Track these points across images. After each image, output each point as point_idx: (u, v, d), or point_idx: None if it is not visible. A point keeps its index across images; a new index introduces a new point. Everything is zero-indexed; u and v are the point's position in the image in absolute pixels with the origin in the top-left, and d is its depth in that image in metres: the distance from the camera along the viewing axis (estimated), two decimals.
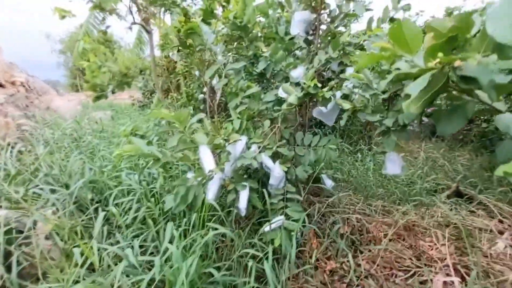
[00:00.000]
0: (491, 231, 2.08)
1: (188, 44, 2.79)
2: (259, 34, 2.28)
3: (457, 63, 0.57)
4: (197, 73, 4.20)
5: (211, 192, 1.25)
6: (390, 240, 1.95)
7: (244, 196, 1.40)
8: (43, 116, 3.84)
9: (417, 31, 0.66)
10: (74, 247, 1.29)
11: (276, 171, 1.59)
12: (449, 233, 2.01)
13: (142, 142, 1.28)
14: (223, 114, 3.76)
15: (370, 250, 1.87)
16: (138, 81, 3.33)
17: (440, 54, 0.58)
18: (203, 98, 4.28)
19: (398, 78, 0.87)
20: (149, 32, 2.34)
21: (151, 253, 1.29)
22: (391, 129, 1.09)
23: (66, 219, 1.48)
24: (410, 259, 1.76)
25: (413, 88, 0.60)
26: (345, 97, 1.66)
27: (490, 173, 2.95)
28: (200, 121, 1.42)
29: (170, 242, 1.16)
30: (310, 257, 1.65)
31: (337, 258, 1.72)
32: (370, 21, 1.82)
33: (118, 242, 1.29)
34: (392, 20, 1.83)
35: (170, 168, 1.81)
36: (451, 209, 2.28)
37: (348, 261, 1.62)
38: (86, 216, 1.59)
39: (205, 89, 4.21)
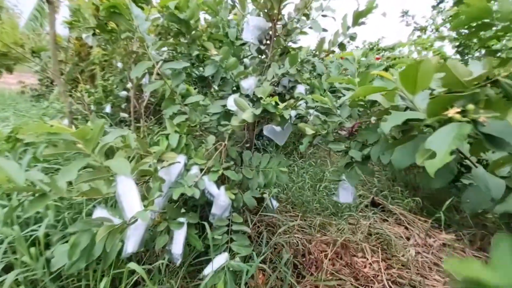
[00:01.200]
0: (401, 237, 2.38)
1: (109, 27, 2.20)
2: (202, 34, 1.98)
3: (482, 118, 0.47)
4: (119, 64, 3.50)
5: (132, 242, 0.87)
6: (329, 259, 1.96)
7: (180, 238, 1.07)
8: None
9: (431, 70, 0.54)
10: None
11: (221, 199, 1.32)
12: (373, 245, 2.18)
13: (15, 167, 0.79)
14: (151, 118, 3.20)
15: (311, 274, 1.82)
16: (33, 63, 2.44)
17: (470, 106, 0.48)
18: (125, 95, 3.59)
19: (381, 113, 0.76)
20: (50, 3, 1.69)
21: None
22: (355, 161, 1.01)
23: None
24: (350, 282, 1.78)
25: (438, 143, 0.47)
26: (300, 117, 1.55)
27: (394, 183, 3.48)
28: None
29: None
30: None
31: None
32: (322, 41, 1.79)
33: None
34: (341, 45, 1.85)
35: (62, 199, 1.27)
36: (370, 219, 2.51)
37: None
38: None
39: (129, 85, 3.54)
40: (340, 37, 1.84)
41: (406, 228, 2.64)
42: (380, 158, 0.92)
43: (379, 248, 2.14)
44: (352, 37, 1.83)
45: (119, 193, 0.83)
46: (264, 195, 1.84)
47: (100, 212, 0.99)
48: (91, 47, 3.67)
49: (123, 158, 0.80)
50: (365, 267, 2.00)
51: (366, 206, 2.89)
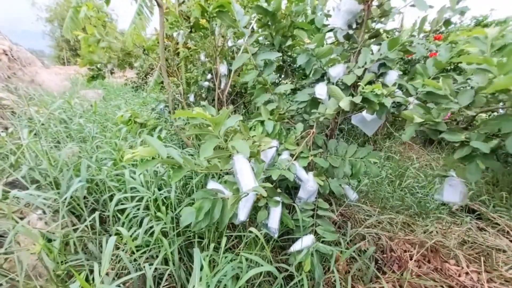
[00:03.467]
0: (504, 251, 2.01)
1: (201, 26, 2.47)
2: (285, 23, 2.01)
3: None
4: (202, 57, 3.86)
5: (244, 212, 1.01)
6: (415, 261, 1.82)
7: (276, 214, 1.18)
8: (27, 90, 3.41)
9: None
10: (68, 266, 1.04)
11: (310, 184, 1.37)
12: (469, 254, 1.91)
13: (160, 144, 1.01)
14: (231, 107, 3.48)
15: (393, 271, 1.74)
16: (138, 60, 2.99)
17: None
18: (207, 86, 3.96)
19: None
20: (160, 6, 2.01)
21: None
22: (478, 154, 0.90)
23: (55, 227, 1.21)
24: (441, 286, 1.63)
25: None
26: (397, 106, 1.45)
27: (495, 188, 2.90)
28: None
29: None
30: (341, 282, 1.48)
31: (364, 282, 1.56)
32: (423, 20, 1.60)
33: (124, 267, 1.04)
34: (447, 23, 1.61)
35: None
36: (464, 225, 2.19)
37: (381, 287, 1.46)
38: (81, 222, 1.33)
39: (209, 76, 3.89)
40: (447, 13, 1.60)
41: None
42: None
43: (477, 259, 1.88)
44: (463, 11, 1.57)
45: (236, 169, 0.97)
46: (345, 186, 1.82)
47: (213, 184, 1.18)
48: (177, 43, 4.17)
49: (241, 140, 0.93)
50: (459, 275, 1.79)
51: (460, 210, 2.52)
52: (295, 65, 1.93)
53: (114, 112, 3.34)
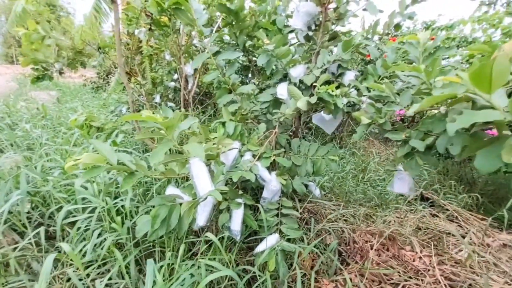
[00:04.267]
0: (453, 235, 2.23)
1: (162, 23, 2.37)
2: (249, 22, 2.01)
3: None
4: (167, 57, 3.71)
5: (203, 217, 0.99)
6: (375, 250, 1.94)
7: (238, 216, 1.17)
8: None
9: (507, 67, 0.51)
10: None
11: (273, 183, 1.38)
12: (423, 240, 2.09)
13: (109, 149, 0.94)
14: (198, 107, 3.39)
15: (356, 262, 1.83)
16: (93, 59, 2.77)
17: None
18: (173, 86, 3.82)
19: (453, 103, 0.73)
20: (114, 2, 1.88)
21: None
22: (417, 151, 0.97)
23: None
24: (398, 272, 1.75)
25: None
26: (352, 106, 1.52)
27: (445, 177, 3.21)
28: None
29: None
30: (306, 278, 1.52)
31: (329, 275, 1.62)
32: (375, 24, 1.70)
33: (74, 285, 0.95)
34: (397, 26, 1.73)
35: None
36: (418, 213, 2.39)
37: (344, 279, 1.53)
38: (24, 239, 1.19)
39: (175, 76, 3.76)
40: (397, 17, 1.72)
41: (460, 226, 2.46)
42: (448, 149, 0.88)
43: (430, 244, 2.05)
44: (411, 17, 1.70)
45: (192, 174, 0.94)
46: (310, 183, 1.87)
47: (171, 190, 1.13)
48: (141, 41, 3.96)
49: (196, 143, 0.90)
50: (414, 260, 1.94)
51: (414, 199, 2.73)
52: (258, 65, 1.94)
53: (68, 116, 3.07)
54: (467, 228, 2.38)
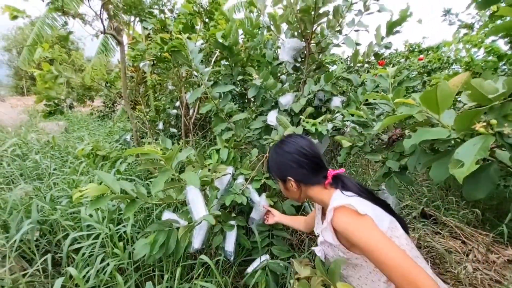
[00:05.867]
0: (457, 252, 2.21)
1: (164, 58, 2.59)
2: (243, 56, 2.21)
3: (507, 131, 0.54)
4: (170, 86, 3.95)
5: (198, 240, 1.06)
6: None
7: (232, 238, 1.24)
8: None
9: (450, 93, 0.63)
10: None
11: (262, 204, 1.46)
12: (424, 258, 2.08)
13: (112, 179, 1.05)
14: (198, 133, 3.55)
15: None
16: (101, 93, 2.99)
17: (493, 121, 0.56)
18: (175, 113, 4.02)
19: (415, 125, 0.83)
20: (120, 44, 2.09)
21: None
22: (393, 171, 1.06)
23: (3, 273, 1.15)
24: None
25: (464, 154, 0.55)
26: (337, 129, 1.64)
27: (448, 192, 3.20)
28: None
29: None
30: None
31: None
32: (356, 53, 1.86)
33: None
34: (376, 55, 1.90)
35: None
36: (419, 231, 2.38)
37: None
38: (32, 266, 1.27)
39: (177, 104, 3.97)
40: (375, 47, 1.89)
41: (464, 242, 2.43)
42: (416, 168, 0.98)
43: (431, 262, 2.03)
44: (387, 47, 1.87)
45: (188, 200, 1.04)
46: (305, 203, 1.93)
47: (168, 215, 1.22)
48: (144, 73, 4.24)
49: (192, 172, 1.01)
50: None
51: (415, 217, 2.72)
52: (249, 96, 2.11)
53: (75, 145, 3.24)
54: (470, 245, 2.36)
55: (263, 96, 1.65)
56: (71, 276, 1.17)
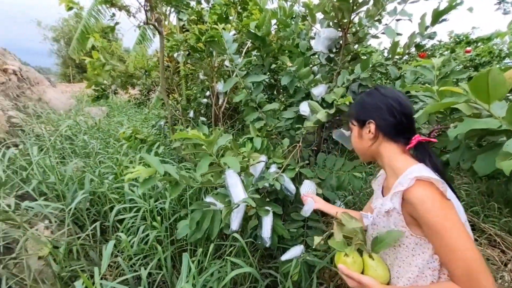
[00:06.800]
0: (495, 261, 2.06)
1: (199, 48, 2.69)
2: (274, 47, 2.21)
3: None
4: (201, 76, 4.07)
5: (236, 222, 1.13)
6: None
7: (268, 224, 1.28)
8: (35, 108, 3.61)
9: (502, 80, 0.59)
10: (71, 270, 1.15)
11: (302, 192, 1.47)
12: None
13: (157, 162, 1.14)
14: (227, 122, 3.65)
15: None
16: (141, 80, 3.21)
17: None
18: (206, 102, 4.15)
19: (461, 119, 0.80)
20: (160, 34, 2.22)
21: None
22: None
23: (61, 235, 1.33)
24: None
25: None
26: None
27: (489, 198, 2.95)
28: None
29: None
30: None
31: None
32: (395, 45, 1.77)
33: (122, 272, 1.15)
34: (418, 46, 1.79)
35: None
36: None
37: None
38: (84, 232, 1.44)
39: (208, 93, 4.09)
40: (417, 38, 1.78)
41: (503, 251, 2.27)
42: (460, 164, 0.94)
43: None
44: (431, 37, 1.75)
45: (228, 183, 1.10)
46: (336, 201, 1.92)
47: (209, 199, 1.30)
48: (178, 63, 4.41)
49: (232, 157, 1.07)
50: None
51: None
52: (282, 85, 2.11)
53: (116, 129, 3.51)
54: (509, 254, 2.20)
55: (296, 85, 1.65)
56: (115, 245, 1.31)
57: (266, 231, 1.29)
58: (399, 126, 0.75)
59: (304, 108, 1.70)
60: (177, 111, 4.19)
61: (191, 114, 4.13)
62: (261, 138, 1.52)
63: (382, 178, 0.88)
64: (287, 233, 1.42)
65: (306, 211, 1.20)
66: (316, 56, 2.08)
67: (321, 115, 1.32)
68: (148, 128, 3.50)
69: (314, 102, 1.43)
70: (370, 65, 1.53)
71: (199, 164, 1.05)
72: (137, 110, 6.15)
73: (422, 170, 0.67)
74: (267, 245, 1.31)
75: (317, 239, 0.78)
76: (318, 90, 1.74)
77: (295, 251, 1.43)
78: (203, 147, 1.10)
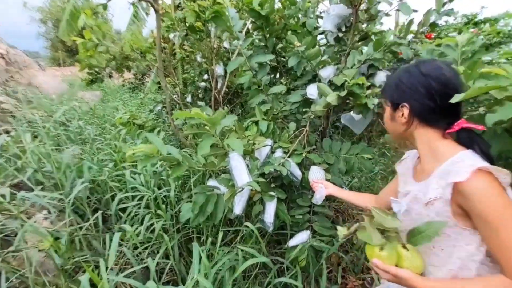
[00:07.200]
0: None
1: (197, 28, 2.53)
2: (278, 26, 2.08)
3: None
4: (198, 58, 3.90)
5: (239, 206, 1.08)
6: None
7: (271, 209, 1.25)
8: (25, 93, 3.45)
9: None
10: (74, 262, 1.10)
11: (310, 178, 1.43)
12: None
13: (160, 142, 1.07)
14: (227, 106, 3.54)
15: None
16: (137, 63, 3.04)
17: None
18: (204, 86, 4.00)
19: (493, 104, 0.73)
20: (157, 11, 2.06)
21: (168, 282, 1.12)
22: None
23: (61, 226, 1.28)
24: None
25: None
26: (381, 107, 1.52)
27: None
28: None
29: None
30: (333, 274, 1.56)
31: (356, 272, 1.65)
32: (409, 23, 1.67)
33: (127, 261, 1.11)
34: (432, 25, 1.69)
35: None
36: None
37: (371, 277, 1.55)
38: (85, 221, 1.39)
39: (205, 77, 3.94)
40: (433, 16, 1.67)
41: None
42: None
43: None
44: (448, 14, 1.65)
45: (231, 166, 1.04)
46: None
47: (212, 182, 1.24)
48: (174, 44, 4.21)
49: (236, 139, 1.00)
50: None
51: None
52: (288, 66, 2.01)
53: (112, 114, 3.39)
54: None
55: (304, 67, 1.56)
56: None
57: (269, 216, 1.26)
58: (439, 110, 0.66)
59: (311, 91, 1.61)
60: (175, 96, 4.06)
61: (189, 98, 4.00)
62: (267, 122, 1.45)
63: (411, 160, 0.81)
64: (289, 218, 1.39)
65: (318, 199, 1.15)
66: (323, 36, 1.96)
67: (332, 98, 1.24)
68: (144, 113, 3.38)
69: (324, 85, 1.34)
70: (384, 45, 1.44)
71: (201, 144, 0.98)
72: (132, 94, 5.96)
73: (475, 158, 0.60)
74: (270, 230, 1.28)
75: (342, 231, 0.73)
76: (327, 72, 1.65)
77: (301, 237, 1.40)
78: (206, 127, 1.03)
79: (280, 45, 2.19)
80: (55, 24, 20.71)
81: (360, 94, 1.24)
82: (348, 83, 1.28)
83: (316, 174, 1.37)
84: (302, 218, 1.44)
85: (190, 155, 2.17)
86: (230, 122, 1.00)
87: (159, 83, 4.35)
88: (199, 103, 4.03)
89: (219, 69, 3.16)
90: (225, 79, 3.10)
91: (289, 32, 2.10)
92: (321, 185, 1.22)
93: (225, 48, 3.17)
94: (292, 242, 1.39)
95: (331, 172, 1.53)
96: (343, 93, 1.21)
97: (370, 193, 1.10)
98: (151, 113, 3.23)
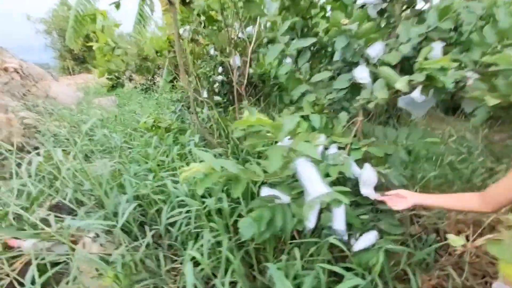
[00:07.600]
0: None
1: (214, 19, 2.34)
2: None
3: None
4: (211, 51, 3.70)
5: (314, 218, 0.95)
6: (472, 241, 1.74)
7: (341, 215, 1.11)
8: (45, 106, 3.42)
9: None
10: None
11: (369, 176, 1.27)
12: None
13: (212, 157, 0.93)
14: (251, 99, 3.37)
15: (449, 254, 1.67)
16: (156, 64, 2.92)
17: None
18: (221, 80, 3.83)
19: None
20: (172, 4, 1.89)
21: None
22: None
23: (112, 248, 1.19)
24: None
25: None
26: (455, 83, 1.32)
27: None
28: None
29: None
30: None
31: (426, 270, 1.50)
32: None
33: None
34: None
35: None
36: None
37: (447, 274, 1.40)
38: (132, 238, 1.30)
39: (220, 69, 3.75)
40: None
41: None
42: None
43: None
44: None
45: (301, 175, 0.89)
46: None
47: (267, 191, 1.11)
48: (191, 41, 4.01)
49: (304, 142, 0.85)
50: None
51: None
52: (328, 49, 1.79)
53: (132, 118, 3.31)
54: None
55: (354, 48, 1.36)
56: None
57: (340, 224, 1.12)
58: None
59: (360, 74, 1.42)
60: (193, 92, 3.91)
61: (205, 94, 3.84)
62: (318, 116, 1.28)
63: None
64: (359, 222, 1.25)
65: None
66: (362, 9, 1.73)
67: (401, 84, 1.06)
68: (166, 114, 3.28)
69: (385, 67, 1.15)
70: (452, 11, 1.21)
71: (270, 157, 0.83)
72: (145, 96, 5.88)
73: None
74: (345, 238, 1.15)
75: (457, 241, 0.58)
76: (375, 50, 1.45)
77: (368, 239, 1.26)
78: (268, 134, 0.89)
79: (308, 28, 1.98)
80: (59, 34, 20.87)
81: (436, 77, 1.05)
82: (421, 65, 1.07)
83: (370, 175, 1.22)
84: (366, 219, 1.29)
85: (221, 155, 2.05)
86: (294, 124, 0.84)
87: (171, 81, 4.22)
88: (216, 98, 3.88)
89: (237, 60, 2.98)
90: (245, 70, 2.92)
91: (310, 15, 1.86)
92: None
93: (239, 38, 2.98)
94: (358, 246, 1.25)
95: (391, 164, 1.36)
96: (420, 77, 1.01)
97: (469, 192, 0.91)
98: (173, 114, 3.11)
